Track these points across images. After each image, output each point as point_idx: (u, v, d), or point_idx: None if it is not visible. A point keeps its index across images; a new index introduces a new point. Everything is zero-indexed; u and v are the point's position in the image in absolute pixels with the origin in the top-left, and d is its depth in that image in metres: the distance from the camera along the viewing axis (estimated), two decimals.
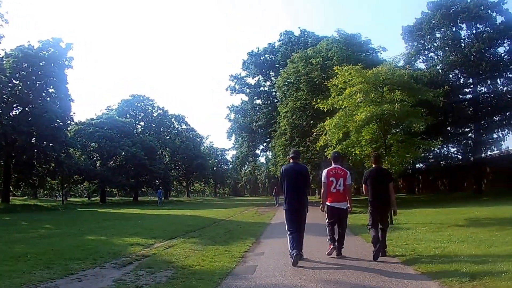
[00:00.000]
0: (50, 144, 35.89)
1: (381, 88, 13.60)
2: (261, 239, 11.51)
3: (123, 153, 47.66)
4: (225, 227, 15.19)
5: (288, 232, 7.81)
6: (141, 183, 52.90)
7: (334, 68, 15.92)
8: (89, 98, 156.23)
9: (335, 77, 14.61)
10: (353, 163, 17.48)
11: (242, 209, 31.64)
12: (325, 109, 14.73)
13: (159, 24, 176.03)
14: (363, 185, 8.44)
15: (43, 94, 37.39)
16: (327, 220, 8.26)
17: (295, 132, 32.74)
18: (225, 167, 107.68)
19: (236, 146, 57.61)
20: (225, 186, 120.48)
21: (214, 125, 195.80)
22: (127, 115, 61.08)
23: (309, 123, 31.05)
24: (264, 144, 53.10)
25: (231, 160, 71.71)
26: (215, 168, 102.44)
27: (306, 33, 47.21)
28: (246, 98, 53.23)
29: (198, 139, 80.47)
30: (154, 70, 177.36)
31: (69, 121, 39.39)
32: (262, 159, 72.25)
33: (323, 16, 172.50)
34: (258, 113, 49.29)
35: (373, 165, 8.50)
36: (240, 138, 53.97)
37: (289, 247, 7.63)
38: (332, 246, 8.13)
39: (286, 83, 34.92)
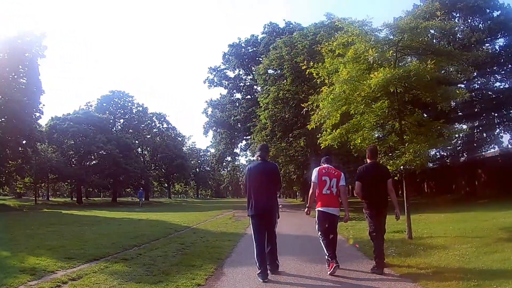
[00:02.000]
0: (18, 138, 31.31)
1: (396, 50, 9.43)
2: (225, 267, 7.23)
3: (99, 151, 42.72)
4: (182, 241, 10.86)
5: (255, 244, 6.37)
6: (117, 183, 47.80)
7: (321, 48, 11.46)
8: (70, 95, 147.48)
9: (330, 41, 10.27)
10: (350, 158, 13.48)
11: (218, 212, 27.47)
12: (321, 77, 10.33)
13: (138, 19, 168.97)
14: (357, 183, 6.77)
15: (13, 84, 32.49)
16: (319, 233, 6.63)
17: (276, 126, 28.57)
18: (207, 168, 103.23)
19: (213, 143, 52.50)
20: (207, 187, 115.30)
21: (195, 126, 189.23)
22: (106, 112, 56.15)
23: (292, 116, 27.06)
24: (244, 142, 48.43)
25: (209, 159, 66.90)
26: (197, 169, 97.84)
27: (291, 24, 42.66)
28: (225, 92, 48.66)
29: (180, 139, 75.39)
30: (136, 67, 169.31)
31: (38, 114, 34.46)
32: (242, 160, 67.30)
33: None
34: (238, 107, 44.89)
35: (369, 160, 7.05)
36: (218, 135, 48.97)
37: (256, 263, 6.15)
38: (334, 265, 6.13)
39: (268, 70, 30.53)
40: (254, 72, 43.10)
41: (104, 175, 44.20)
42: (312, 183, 6.73)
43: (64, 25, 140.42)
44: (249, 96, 44.67)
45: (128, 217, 22.21)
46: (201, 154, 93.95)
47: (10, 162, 33.54)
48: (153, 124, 68.64)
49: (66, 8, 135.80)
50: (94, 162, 44.74)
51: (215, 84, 47.73)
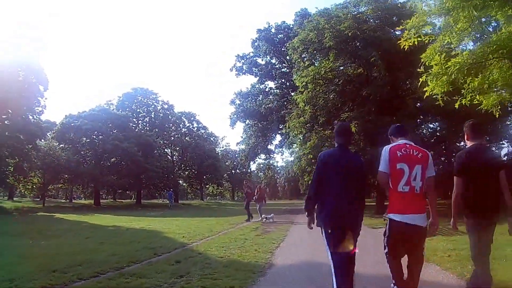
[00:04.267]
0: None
1: None
2: None
3: (116, 149, 37.84)
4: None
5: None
6: (138, 183, 42.77)
7: None
8: (91, 94, 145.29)
9: None
10: None
11: (244, 218, 21.53)
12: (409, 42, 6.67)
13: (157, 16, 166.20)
14: (457, 180, 4.28)
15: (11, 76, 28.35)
16: (385, 250, 4.09)
17: (318, 110, 21.97)
18: (243, 169, 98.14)
19: (244, 139, 45.43)
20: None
21: (222, 123, 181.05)
22: (128, 109, 51.21)
23: (338, 97, 21.01)
24: (278, 137, 41.58)
25: (238, 156, 60.78)
26: (232, 171, 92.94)
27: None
28: (255, 80, 41.92)
29: (212, 139, 70.02)
30: (156, 66, 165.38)
31: (40, 109, 30.13)
32: (278, 158, 60.28)
33: None
34: (270, 96, 38.78)
35: (470, 143, 4.47)
36: (248, 128, 42.38)
37: None
38: None
39: (305, 42, 23.11)
40: (287, 57, 37.07)
41: (121, 175, 39.42)
42: (379, 174, 4.04)
43: (86, 21, 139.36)
44: (283, 81, 38.19)
45: (120, 224, 16.59)
46: (236, 155, 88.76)
47: (6, 160, 29.40)
48: (182, 123, 63.99)
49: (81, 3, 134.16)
50: (111, 161, 40.03)
51: (243, 71, 41.17)
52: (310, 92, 21.62)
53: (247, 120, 40.96)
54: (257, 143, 42.03)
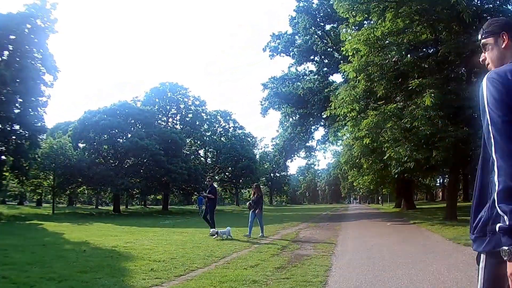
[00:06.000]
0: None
1: None
2: None
3: (136, 147, 33.33)
4: None
5: None
6: (162, 186, 38.19)
7: None
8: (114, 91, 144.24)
9: None
10: None
11: (277, 227, 17.00)
12: None
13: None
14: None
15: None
16: None
17: (375, 79, 16.04)
18: (283, 172, 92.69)
19: (279, 133, 38.62)
20: (282, 193, 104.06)
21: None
22: (156, 106, 46.73)
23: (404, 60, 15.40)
24: (321, 127, 34.64)
25: (272, 152, 54.49)
26: (271, 174, 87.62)
27: None
28: (292, 61, 34.60)
29: (249, 139, 64.81)
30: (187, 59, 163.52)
31: (45, 99, 26.05)
32: (320, 156, 52.65)
33: None
34: (309, 77, 32.48)
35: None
36: (283, 118, 35.60)
37: None
38: None
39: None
40: (332, 35, 30.95)
41: (139, 176, 34.88)
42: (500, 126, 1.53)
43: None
44: (325, 62, 31.51)
45: (95, 240, 11.59)
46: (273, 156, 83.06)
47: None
48: (217, 122, 59.49)
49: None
50: (131, 161, 35.41)
51: (279, 51, 33.82)
52: (363, 57, 15.83)
53: (283, 107, 34.47)
54: (295, 135, 35.60)
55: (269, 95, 34.19)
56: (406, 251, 8.97)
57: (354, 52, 15.83)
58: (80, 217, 26.98)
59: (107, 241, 11.17)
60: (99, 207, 48.49)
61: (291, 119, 35.43)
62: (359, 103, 16.27)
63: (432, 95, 12.79)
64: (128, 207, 49.44)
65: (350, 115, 16.38)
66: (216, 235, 11.61)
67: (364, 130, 14.97)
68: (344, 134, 19.60)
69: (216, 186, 13.23)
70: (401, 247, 9.85)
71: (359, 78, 16.28)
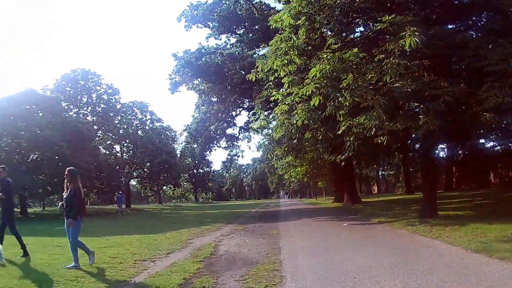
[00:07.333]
0: None
1: None
2: None
3: (36, 139, 27.94)
4: None
5: None
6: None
7: None
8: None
9: None
10: None
11: (194, 233, 13.76)
12: None
13: None
14: None
15: None
16: None
17: (322, 21, 12.44)
18: (206, 168, 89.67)
19: (195, 115, 33.65)
20: (207, 190, 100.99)
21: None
22: (67, 95, 40.90)
23: None
24: (244, 110, 31.10)
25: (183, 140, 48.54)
26: (194, 170, 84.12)
27: None
28: (212, 38, 30.65)
29: (168, 133, 60.33)
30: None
31: None
32: (244, 146, 47.99)
33: None
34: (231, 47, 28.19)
35: None
36: (198, 96, 31.14)
37: None
38: None
39: None
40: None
41: (42, 173, 29.53)
42: None
43: None
44: (251, 36, 27.53)
45: None
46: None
47: None
48: (134, 114, 54.27)
49: None
50: (35, 155, 29.95)
51: (196, 22, 28.84)
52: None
53: (197, 83, 29.51)
54: (211, 115, 30.87)
55: (180, 67, 28.93)
56: None
57: None
58: None
59: None
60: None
61: (208, 96, 31.28)
62: (300, 56, 11.49)
63: (416, 33, 8.93)
64: (33, 209, 43.12)
65: (288, 68, 11.40)
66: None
67: (312, 83, 9.91)
68: (277, 98, 11.89)
69: (10, 180, 8.78)
70: (416, 276, 5.62)
71: (299, 23, 11.96)
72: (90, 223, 23.32)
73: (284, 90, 11.97)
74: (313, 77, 9.86)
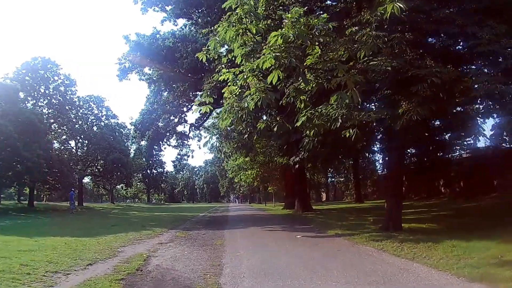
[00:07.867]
0: None
1: None
2: None
3: None
4: None
5: None
6: (17, 177, 30.98)
7: None
8: None
9: None
10: None
11: (130, 238, 13.28)
12: None
13: None
14: None
15: None
16: None
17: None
18: (159, 169, 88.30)
19: (146, 104, 31.50)
20: (160, 191, 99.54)
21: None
22: (26, 85, 39.19)
23: None
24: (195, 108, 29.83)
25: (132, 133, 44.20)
26: (148, 171, 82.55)
27: None
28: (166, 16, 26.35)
29: (122, 130, 58.71)
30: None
31: None
32: (194, 145, 44.56)
33: None
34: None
35: None
36: (149, 86, 29.23)
37: None
38: None
39: None
40: None
41: None
42: None
43: None
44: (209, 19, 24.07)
45: None
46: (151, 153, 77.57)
47: None
48: (90, 109, 52.57)
49: None
50: None
51: (152, 4, 25.00)
52: None
53: (147, 68, 27.93)
54: (159, 106, 29.42)
55: (131, 50, 27.35)
56: None
57: None
58: None
59: None
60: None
61: (156, 87, 29.81)
62: (257, 24, 7.96)
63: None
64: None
65: (242, 39, 7.98)
66: None
67: (272, 53, 7.13)
68: (228, 78, 8.59)
69: None
70: None
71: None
72: (34, 220, 22.77)
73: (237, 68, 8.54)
74: (272, 44, 7.26)
